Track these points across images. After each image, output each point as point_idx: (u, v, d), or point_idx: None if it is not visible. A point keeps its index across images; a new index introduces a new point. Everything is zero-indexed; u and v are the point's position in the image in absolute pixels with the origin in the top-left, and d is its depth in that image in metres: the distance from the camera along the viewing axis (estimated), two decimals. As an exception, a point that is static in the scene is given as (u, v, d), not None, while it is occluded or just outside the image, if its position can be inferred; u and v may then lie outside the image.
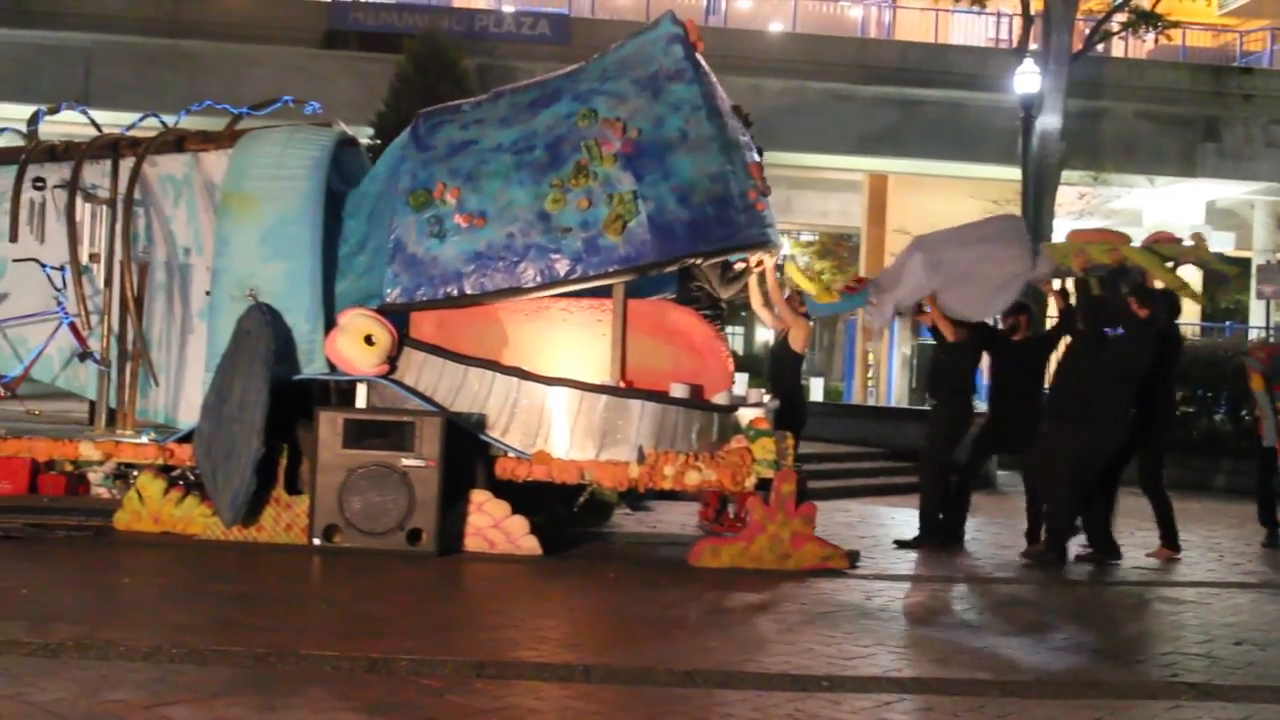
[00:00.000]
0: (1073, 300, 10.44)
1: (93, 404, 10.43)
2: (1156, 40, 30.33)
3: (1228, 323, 31.69)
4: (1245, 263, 34.41)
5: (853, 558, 9.26)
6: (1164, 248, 10.02)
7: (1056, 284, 10.64)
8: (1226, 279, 10.42)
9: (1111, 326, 9.98)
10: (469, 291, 9.14)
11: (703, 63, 9.61)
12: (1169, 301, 10.21)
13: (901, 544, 10.37)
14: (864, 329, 11.05)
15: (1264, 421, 11.61)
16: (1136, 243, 10.21)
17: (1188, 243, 10.27)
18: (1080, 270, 9.97)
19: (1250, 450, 12.07)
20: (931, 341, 28.24)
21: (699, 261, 9.47)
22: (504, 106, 9.73)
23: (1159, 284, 9.84)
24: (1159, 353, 9.89)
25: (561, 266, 9.04)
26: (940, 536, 10.41)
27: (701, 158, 9.17)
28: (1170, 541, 10.42)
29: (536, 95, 9.72)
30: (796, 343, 10.71)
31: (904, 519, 12.08)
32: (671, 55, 9.55)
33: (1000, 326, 11.01)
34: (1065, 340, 10.43)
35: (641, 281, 9.44)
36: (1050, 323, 11.21)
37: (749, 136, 9.81)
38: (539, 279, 9.07)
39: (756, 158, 9.65)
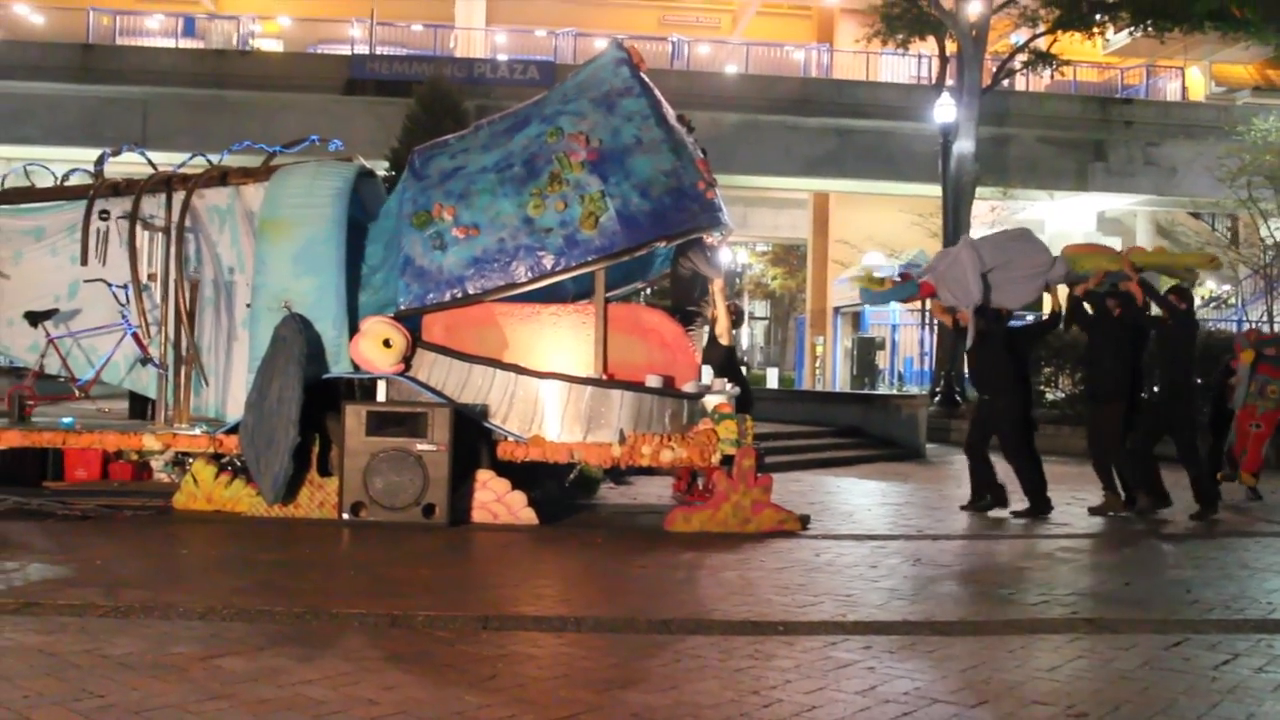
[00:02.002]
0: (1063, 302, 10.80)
1: (131, 401, 10.41)
2: (1052, 76, 30.48)
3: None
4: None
5: (804, 521, 9.26)
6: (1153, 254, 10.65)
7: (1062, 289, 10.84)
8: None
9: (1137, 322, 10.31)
10: (471, 292, 9.11)
11: (647, 79, 9.63)
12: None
13: (1016, 514, 10.22)
14: (939, 310, 11.16)
15: (1237, 388, 11.99)
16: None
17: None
18: (1096, 284, 10.29)
19: (1217, 418, 12.47)
20: (867, 335, 28.29)
21: (663, 244, 9.44)
22: (484, 135, 9.74)
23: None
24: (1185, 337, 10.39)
25: (548, 261, 9.03)
26: (1048, 505, 10.26)
27: (655, 158, 9.17)
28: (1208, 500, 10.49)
29: (511, 123, 9.74)
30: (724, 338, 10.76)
31: (848, 486, 12.10)
32: (620, 75, 9.58)
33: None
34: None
35: (628, 265, 9.44)
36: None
37: (693, 138, 9.79)
38: (530, 274, 9.05)
39: (701, 155, 9.64)
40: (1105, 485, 10.38)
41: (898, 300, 10.83)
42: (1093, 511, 10.39)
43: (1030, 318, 13.16)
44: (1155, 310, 10.29)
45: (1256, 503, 11.62)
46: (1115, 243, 33.71)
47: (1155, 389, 10.96)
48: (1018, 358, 10.49)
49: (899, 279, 11.13)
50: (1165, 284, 11.44)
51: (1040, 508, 10.17)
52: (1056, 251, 10.71)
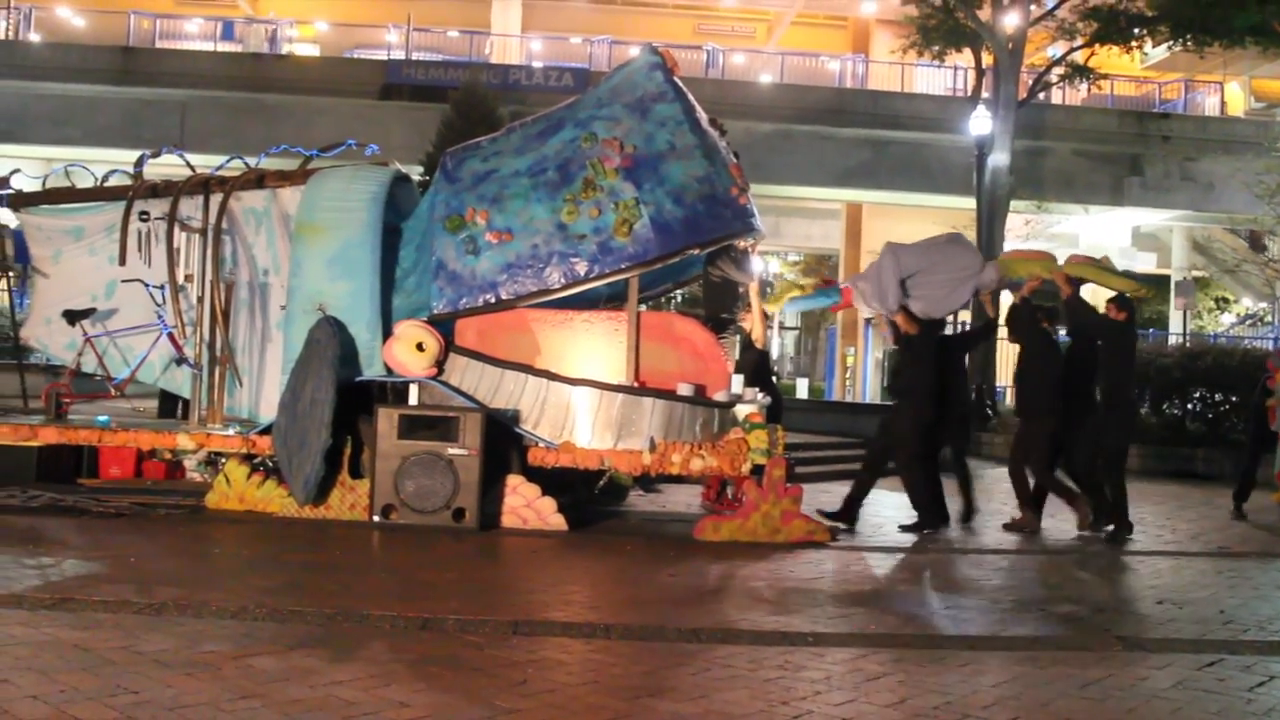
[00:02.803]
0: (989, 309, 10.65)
1: (161, 400, 10.45)
2: (1089, 90, 30.29)
3: (1150, 330, 31.57)
4: (1165, 280, 34.31)
5: (834, 532, 9.24)
6: (1092, 266, 10.14)
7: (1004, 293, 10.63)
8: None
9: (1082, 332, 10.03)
10: (504, 297, 9.12)
11: (680, 84, 9.61)
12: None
13: (903, 528, 10.01)
14: (863, 311, 10.74)
15: (1278, 410, 11.82)
16: (1059, 261, 10.37)
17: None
18: (1030, 291, 10.07)
19: (1245, 431, 12.39)
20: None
21: (696, 252, 9.39)
22: (517, 138, 9.74)
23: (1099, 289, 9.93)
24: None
25: (581, 268, 9.03)
26: (938, 519, 10.08)
27: (688, 164, 9.16)
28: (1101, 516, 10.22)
29: (544, 126, 9.73)
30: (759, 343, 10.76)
31: (876, 499, 12.03)
32: (654, 80, 9.58)
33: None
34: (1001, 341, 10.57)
35: (661, 269, 9.48)
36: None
37: (726, 144, 9.76)
38: (563, 280, 9.05)
39: (734, 159, 9.61)
40: (1021, 501, 10.15)
41: (818, 306, 10.66)
42: (1006, 528, 10.17)
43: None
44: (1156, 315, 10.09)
45: None
46: (1150, 259, 33.61)
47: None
48: (940, 367, 10.10)
49: (822, 284, 10.94)
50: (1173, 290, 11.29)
51: (928, 522, 9.93)
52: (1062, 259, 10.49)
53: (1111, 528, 9.89)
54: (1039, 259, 10.63)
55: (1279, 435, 11.82)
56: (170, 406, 10.52)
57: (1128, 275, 10.19)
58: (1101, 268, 10.21)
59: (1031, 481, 10.17)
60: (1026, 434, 10.22)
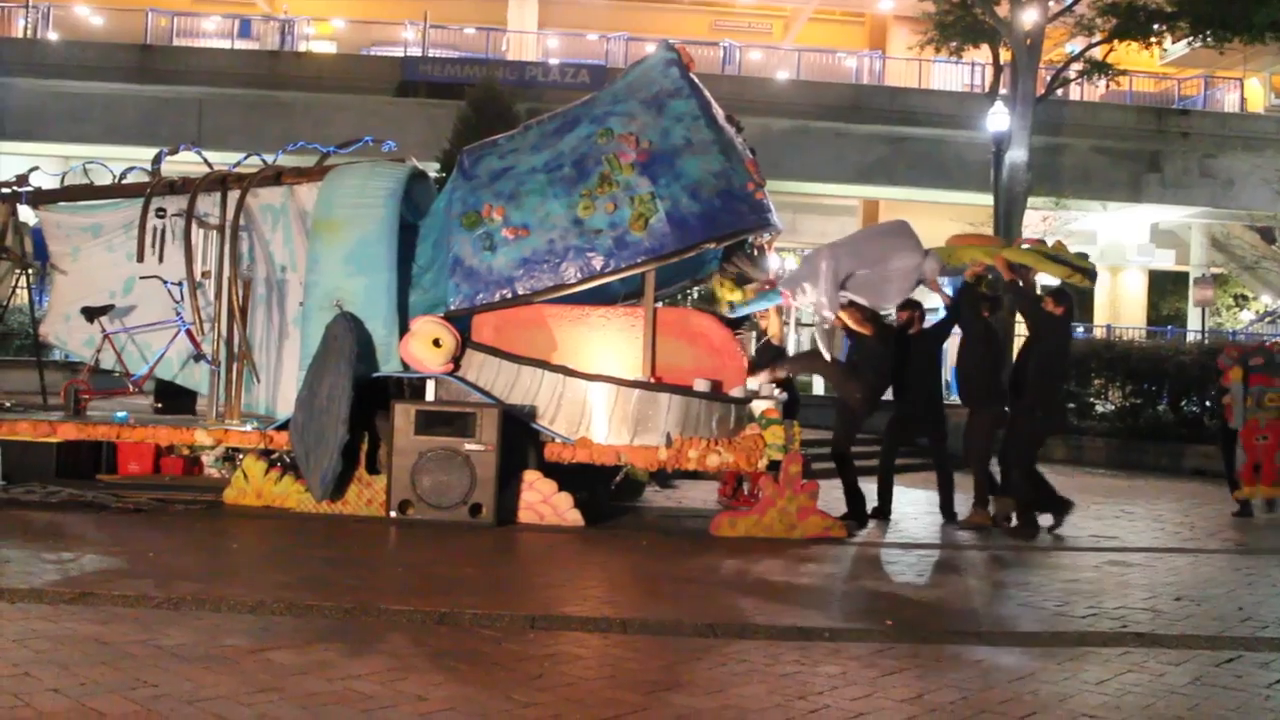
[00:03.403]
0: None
1: (159, 394, 10.44)
2: (1108, 86, 30.13)
3: (1168, 327, 31.46)
4: (1184, 276, 34.14)
5: (850, 527, 9.23)
6: (1041, 249, 9.97)
7: (944, 281, 10.51)
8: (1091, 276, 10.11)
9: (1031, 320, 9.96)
10: (521, 293, 9.14)
11: (696, 80, 9.60)
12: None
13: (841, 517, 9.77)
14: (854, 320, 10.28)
15: (1234, 408, 11.73)
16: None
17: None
18: (971, 276, 9.99)
19: (1217, 433, 12.23)
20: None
21: (712, 246, 9.38)
22: (534, 135, 9.76)
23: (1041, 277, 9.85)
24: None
25: (597, 263, 9.03)
26: (865, 514, 10.05)
27: (705, 159, 9.15)
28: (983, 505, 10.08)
29: (560, 123, 9.75)
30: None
31: (895, 494, 12.03)
32: (669, 76, 9.58)
33: (895, 323, 10.59)
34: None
35: (677, 264, 9.48)
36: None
37: (743, 140, 9.75)
38: (579, 275, 9.06)
39: (750, 155, 9.60)
40: (979, 496, 10.03)
41: (760, 308, 10.41)
42: (963, 526, 10.03)
43: None
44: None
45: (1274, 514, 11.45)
46: (1169, 256, 33.44)
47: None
48: (891, 368, 10.02)
49: (763, 286, 10.66)
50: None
51: (855, 515, 9.92)
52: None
53: (1051, 521, 9.85)
54: (981, 244, 10.43)
55: (1239, 433, 11.72)
56: (173, 404, 10.47)
57: (1081, 257, 9.91)
58: (1046, 255, 9.94)
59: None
60: (971, 424, 10.14)
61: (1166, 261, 34.16)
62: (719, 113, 9.59)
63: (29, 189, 10.57)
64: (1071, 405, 19.42)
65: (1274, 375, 11.66)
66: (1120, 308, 32.47)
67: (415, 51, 31.21)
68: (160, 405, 10.44)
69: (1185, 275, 34.38)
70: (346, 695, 4.28)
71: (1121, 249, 32.97)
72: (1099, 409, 19.53)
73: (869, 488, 10.22)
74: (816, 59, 34.65)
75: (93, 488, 9.45)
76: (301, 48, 32.93)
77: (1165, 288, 37.68)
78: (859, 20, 39.53)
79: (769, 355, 10.42)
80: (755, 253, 10.17)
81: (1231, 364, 11.83)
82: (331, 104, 27.77)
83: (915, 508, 11.18)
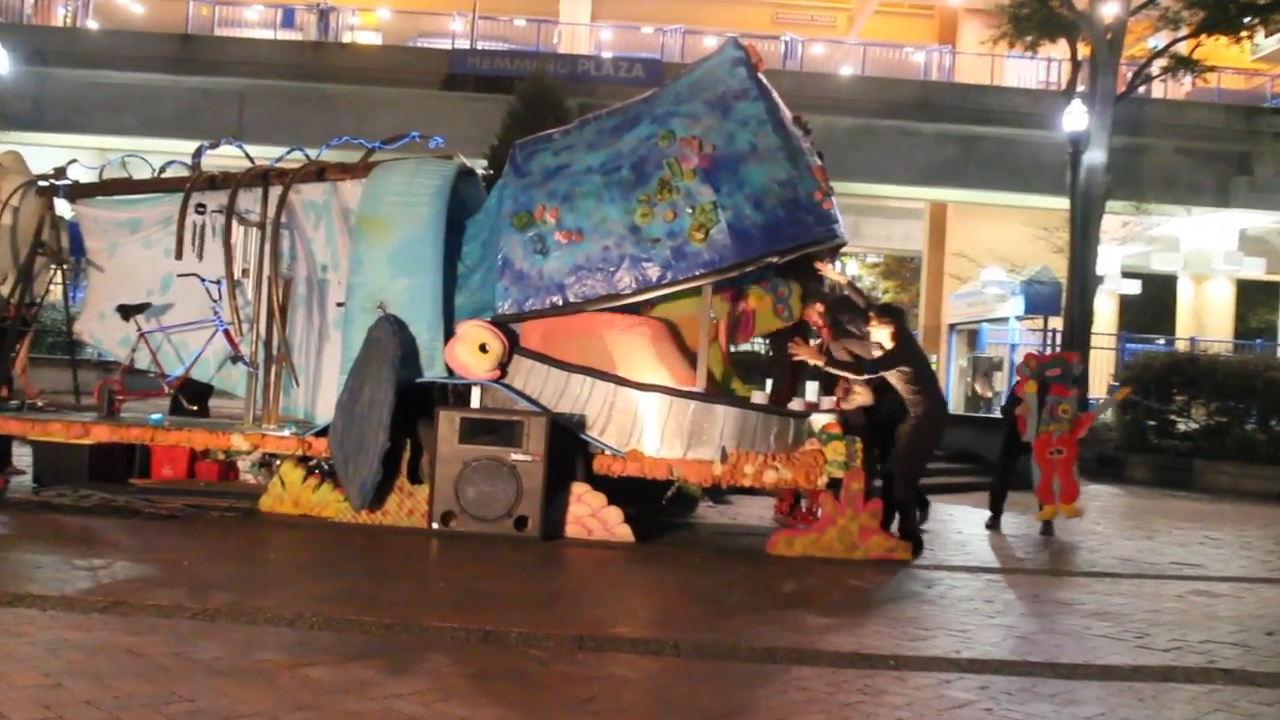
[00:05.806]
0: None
1: (176, 398, 10.51)
2: (1193, 83, 29.70)
3: (1258, 340, 30.95)
4: (1275, 286, 33.58)
5: (915, 550, 9.15)
6: None
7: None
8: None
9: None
10: (572, 300, 9.14)
11: (764, 81, 9.51)
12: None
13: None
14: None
15: (1027, 419, 11.47)
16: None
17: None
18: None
19: (1008, 447, 11.90)
20: (983, 354, 27.82)
21: (775, 260, 9.29)
22: (590, 133, 9.73)
23: None
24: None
25: (653, 273, 9.01)
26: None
27: (770, 166, 9.07)
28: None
29: (619, 120, 9.71)
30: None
31: (960, 515, 11.94)
32: (736, 76, 9.49)
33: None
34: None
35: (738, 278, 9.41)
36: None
37: (810, 143, 9.68)
38: (634, 285, 9.03)
39: (818, 162, 9.51)
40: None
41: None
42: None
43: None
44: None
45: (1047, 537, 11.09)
46: (1259, 264, 32.86)
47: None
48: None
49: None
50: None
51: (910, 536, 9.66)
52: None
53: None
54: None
55: (1032, 446, 11.46)
56: (193, 406, 10.54)
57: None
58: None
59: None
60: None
61: (1256, 270, 33.60)
62: (787, 116, 9.50)
63: (66, 182, 10.70)
64: (1152, 423, 19.20)
65: (1070, 386, 11.50)
66: (1205, 319, 31.98)
67: (463, 43, 31.43)
68: (195, 407, 10.50)
69: (1276, 285, 33.82)
70: (388, 715, 4.29)
71: (1207, 256, 32.47)
72: (1181, 427, 19.27)
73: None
74: (882, 54, 34.51)
75: (125, 492, 9.56)
76: (346, 38, 33.27)
77: (1255, 298, 37.06)
78: (928, 13, 39.34)
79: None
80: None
81: (1029, 375, 11.58)
82: (376, 97, 28.01)
83: (975, 529, 11.07)
